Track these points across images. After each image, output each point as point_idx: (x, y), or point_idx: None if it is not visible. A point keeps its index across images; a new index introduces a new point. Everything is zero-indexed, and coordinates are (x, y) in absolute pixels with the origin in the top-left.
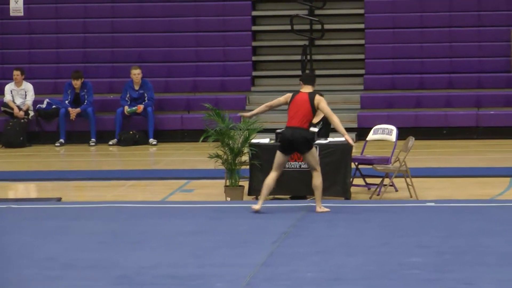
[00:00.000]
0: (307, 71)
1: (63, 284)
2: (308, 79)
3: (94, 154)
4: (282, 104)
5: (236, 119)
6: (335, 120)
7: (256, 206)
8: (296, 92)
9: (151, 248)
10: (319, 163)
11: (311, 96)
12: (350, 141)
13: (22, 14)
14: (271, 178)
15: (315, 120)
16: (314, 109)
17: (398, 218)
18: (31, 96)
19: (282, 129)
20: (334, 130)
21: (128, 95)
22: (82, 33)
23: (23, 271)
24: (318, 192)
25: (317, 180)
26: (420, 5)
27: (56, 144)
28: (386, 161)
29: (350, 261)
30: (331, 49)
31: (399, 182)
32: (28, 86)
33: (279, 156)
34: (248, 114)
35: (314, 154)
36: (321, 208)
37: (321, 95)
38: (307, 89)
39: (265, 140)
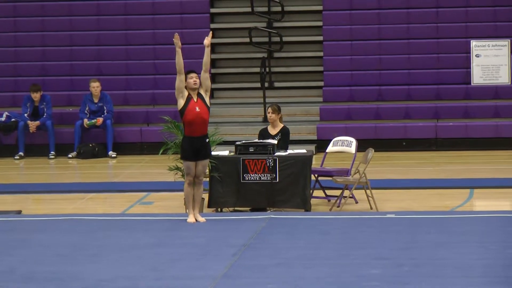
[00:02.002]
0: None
1: None
2: None
3: (53, 167)
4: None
5: None
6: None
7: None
8: None
9: (110, 261)
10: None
11: None
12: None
13: None
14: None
15: (273, 132)
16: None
17: (358, 230)
18: None
19: (241, 141)
20: (294, 142)
21: (87, 108)
22: (40, 46)
23: None
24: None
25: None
26: (378, 17)
27: (15, 157)
28: (345, 173)
29: (310, 273)
30: (290, 61)
31: (359, 194)
32: None
33: None
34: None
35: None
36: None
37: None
38: None
39: (224, 152)
